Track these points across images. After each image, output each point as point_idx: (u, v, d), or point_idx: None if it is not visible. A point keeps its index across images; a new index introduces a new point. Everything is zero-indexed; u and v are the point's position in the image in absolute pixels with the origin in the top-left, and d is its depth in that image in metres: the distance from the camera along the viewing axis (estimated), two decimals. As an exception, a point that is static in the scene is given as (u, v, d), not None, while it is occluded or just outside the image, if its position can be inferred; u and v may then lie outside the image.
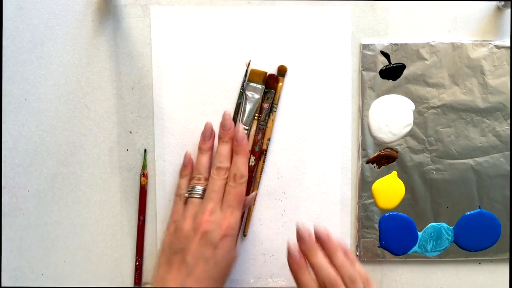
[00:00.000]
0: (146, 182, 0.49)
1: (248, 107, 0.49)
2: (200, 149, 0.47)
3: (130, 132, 0.49)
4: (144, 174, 0.49)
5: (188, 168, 0.48)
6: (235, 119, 0.49)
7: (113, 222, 0.50)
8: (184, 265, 0.42)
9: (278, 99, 0.49)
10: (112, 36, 0.49)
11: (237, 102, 0.49)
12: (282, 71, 0.49)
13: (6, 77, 0.48)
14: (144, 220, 0.50)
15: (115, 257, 0.50)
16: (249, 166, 0.48)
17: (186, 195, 0.46)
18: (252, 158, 0.48)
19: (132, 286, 0.50)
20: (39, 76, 0.48)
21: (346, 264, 0.43)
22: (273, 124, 0.49)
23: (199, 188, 0.45)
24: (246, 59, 0.49)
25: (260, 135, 0.49)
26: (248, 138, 0.49)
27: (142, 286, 0.50)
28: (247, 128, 0.49)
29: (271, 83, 0.49)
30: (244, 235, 0.50)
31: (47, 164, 0.49)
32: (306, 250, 0.43)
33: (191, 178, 0.47)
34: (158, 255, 0.45)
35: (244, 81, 0.49)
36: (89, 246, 0.50)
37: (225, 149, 0.46)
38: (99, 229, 0.50)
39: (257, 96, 0.49)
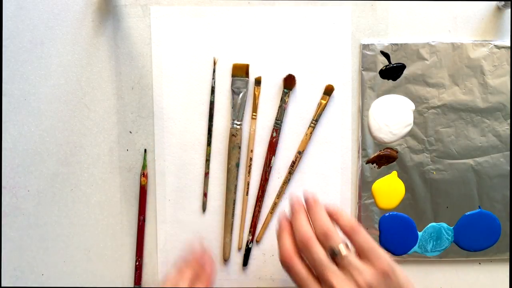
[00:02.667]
0: (146, 182, 0.49)
1: (238, 102, 0.49)
2: None
3: (130, 132, 0.49)
4: (144, 174, 0.49)
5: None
6: (211, 116, 0.49)
7: (113, 222, 0.50)
8: None
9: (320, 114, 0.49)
10: (112, 36, 0.49)
11: (210, 100, 0.49)
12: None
13: (6, 77, 0.48)
14: (144, 220, 0.50)
15: (115, 257, 0.50)
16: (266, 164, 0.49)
17: None
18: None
19: (132, 286, 0.50)
20: (39, 76, 0.48)
21: (319, 220, 0.41)
22: (308, 138, 0.50)
23: None
24: (246, 59, 0.49)
25: (275, 133, 0.49)
26: (241, 134, 0.49)
27: (143, 286, 0.50)
28: (239, 123, 0.49)
29: (287, 84, 0.49)
30: (257, 241, 0.51)
31: (47, 164, 0.49)
32: (292, 213, 0.42)
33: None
34: None
35: (213, 79, 0.49)
36: (89, 246, 0.50)
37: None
38: (99, 229, 0.50)
39: (243, 89, 0.49)
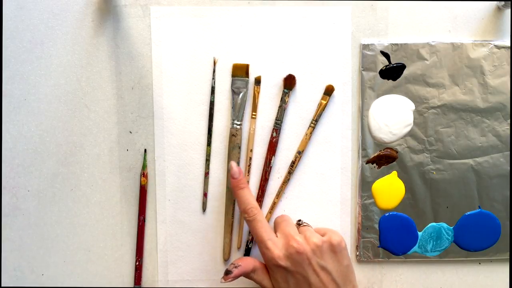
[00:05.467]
0: (146, 182, 0.49)
1: (238, 102, 0.49)
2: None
3: (130, 132, 0.49)
4: (144, 174, 0.49)
5: None
6: (211, 116, 0.49)
7: (113, 222, 0.50)
8: None
9: (320, 114, 0.49)
10: (112, 36, 0.49)
11: (210, 100, 0.49)
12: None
13: (6, 77, 0.48)
14: (144, 220, 0.50)
15: (115, 257, 0.50)
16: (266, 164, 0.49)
17: None
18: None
19: (132, 286, 0.50)
20: (39, 76, 0.48)
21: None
22: (308, 138, 0.50)
23: None
24: (246, 59, 0.49)
25: (275, 133, 0.49)
26: (241, 134, 0.49)
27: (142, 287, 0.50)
28: (239, 123, 0.49)
29: (288, 84, 0.49)
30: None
31: (47, 164, 0.49)
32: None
33: None
34: None
35: (213, 79, 0.49)
36: (89, 246, 0.50)
37: None
38: (99, 229, 0.50)
39: (243, 89, 0.49)
